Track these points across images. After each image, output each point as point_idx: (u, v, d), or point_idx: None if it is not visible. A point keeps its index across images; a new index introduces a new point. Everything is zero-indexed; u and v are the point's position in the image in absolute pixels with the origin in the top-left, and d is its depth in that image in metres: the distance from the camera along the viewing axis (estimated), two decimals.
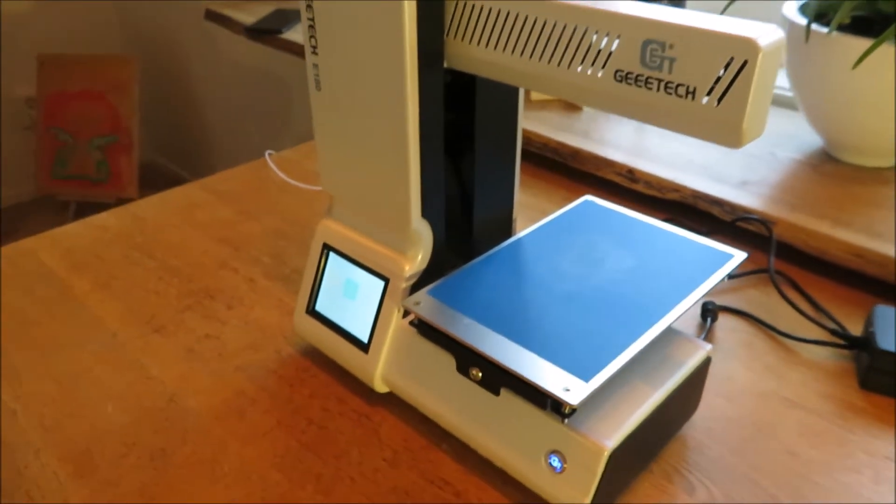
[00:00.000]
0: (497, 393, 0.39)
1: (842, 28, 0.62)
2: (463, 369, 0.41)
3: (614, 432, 0.37)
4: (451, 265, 0.46)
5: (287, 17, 1.17)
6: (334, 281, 0.49)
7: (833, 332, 0.52)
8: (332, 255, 0.49)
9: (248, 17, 1.24)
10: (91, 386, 0.50)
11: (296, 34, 1.14)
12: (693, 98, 0.30)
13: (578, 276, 0.44)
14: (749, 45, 0.28)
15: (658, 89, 0.31)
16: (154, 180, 2.18)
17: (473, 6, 0.37)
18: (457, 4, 0.38)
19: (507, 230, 0.51)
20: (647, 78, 0.32)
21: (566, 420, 0.37)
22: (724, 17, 0.30)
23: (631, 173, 0.70)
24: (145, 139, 2.30)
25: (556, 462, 0.38)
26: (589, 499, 0.37)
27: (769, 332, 0.54)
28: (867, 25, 0.63)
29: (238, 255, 0.64)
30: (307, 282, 0.50)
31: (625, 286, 0.43)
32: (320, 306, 0.50)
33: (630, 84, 0.32)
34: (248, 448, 0.45)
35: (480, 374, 0.40)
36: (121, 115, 2.08)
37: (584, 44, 0.33)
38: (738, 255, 0.46)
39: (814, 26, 0.63)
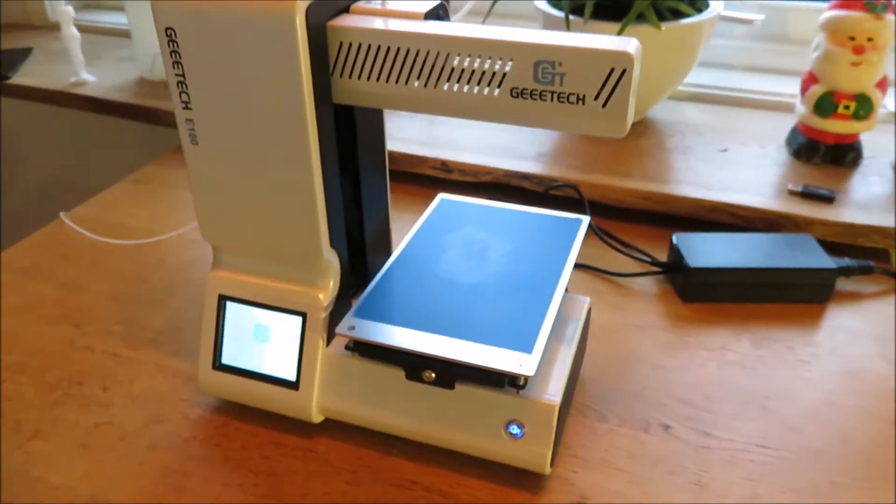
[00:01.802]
0: (452, 387, 0.44)
1: (596, 14, 0.74)
2: (414, 375, 0.44)
3: (555, 389, 0.44)
4: (350, 286, 0.49)
5: (13, 59, 1.03)
6: (239, 330, 0.49)
7: (651, 264, 0.65)
8: (230, 304, 0.49)
9: None
10: None
11: (25, 77, 1.01)
12: (583, 103, 0.37)
13: (474, 268, 0.50)
14: (626, 57, 0.35)
15: (552, 100, 0.38)
16: None
17: (370, 46, 0.39)
18: (341, 45, 0.40)
19: (388, 245, 0.55)
20: (542, 92, 0.38)
21: (520, 391, 0.43)
22: (596, 35, 0.37)
23: (445, 165, 0.77)
24: None
25: (515, 430, 0.43)
26: (550, 450, 0.43)
27: (605, 276, 0.65)
28: (622, 10, 0.75)
29: (83, 332, 0.59)
30: (207, 337, 0.49)
31: (515, 266, 0.49)
32: (227, 359, 0.49)
33: (525, 98, 0.38)
34: None
35: (434, 375, 0.43)
36: None
37: (479, 69, 0.38)
38: (584, 219, 0.55)
39: (571, 16, 0.74)
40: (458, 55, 0.38)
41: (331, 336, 0.47)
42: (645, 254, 0.66)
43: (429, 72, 0.39)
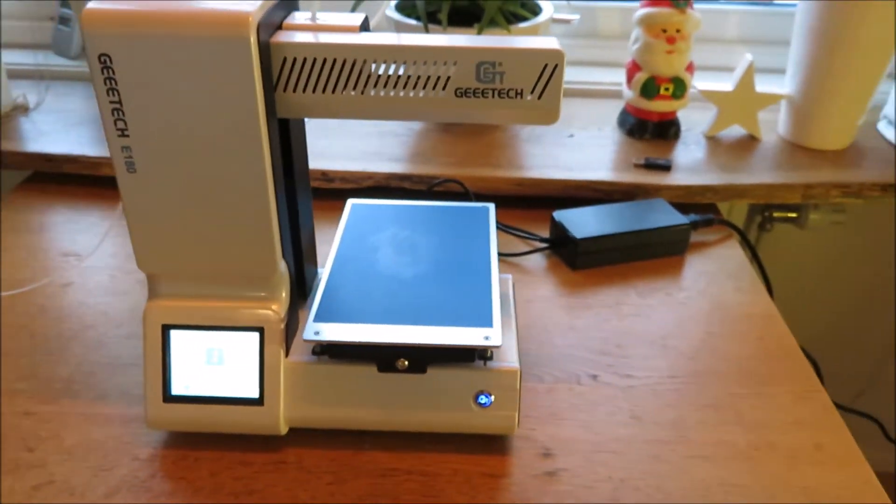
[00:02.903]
0: (424, 371, 0.47)
1: (453, 20, 0.79)
2: (386, 367, 0.46)
3: (513, 356, 0.48)
4: (296, 296, 0.50)
5: None
6: (188, 357, 0.47)
7: (539, 241, 0.72)
8: (174, 333, 0.47)
9: None
10: None
11: None
12: (521, 97, 0.42)
13: (410, 262, 0.53)
14: (557, 54, 0.41)
15: (493, 96, 0.42)
16: None
17: (315, 59, 0.41)
18: (285, 60, 0.41)
19: (314, 253, 0.56)
20: (484, 90, 0.42)
21: (487, 363, 0.47)
22: (529, 38, 0.42)
23: (325, 175, 0.78)
24: None
25: (483, 399, 0.47)
26: (517, 411, 0.48)
27: (503, 259, 0.71)
28: (470, 16, 0.81)
29: None
30: (152, 371, 0.47)
31: (445, 255, 0.53)
32: (178, 389, 0.48)
33: (469, 97, 0.42)
34: None
35: (407, 363, 0.46)
36: None
37: (425, 74, 0.42)
38: (489, 206, 0.60)
39: (414, 22, 0.79)
40: (405, 63, 0.41)
41: (288, 347, 0.48)
42: (530, 234, 0.73)
43: (375, 80, 0.42)
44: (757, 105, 0.86)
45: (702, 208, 0.78)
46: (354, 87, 0.42)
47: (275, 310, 0.47)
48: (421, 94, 0.42)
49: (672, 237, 0.71)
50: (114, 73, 0.39)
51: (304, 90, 0.42)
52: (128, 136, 0.41)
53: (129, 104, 0.40)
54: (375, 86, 0.42)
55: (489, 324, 0.46)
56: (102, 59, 0.39)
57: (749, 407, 0.53)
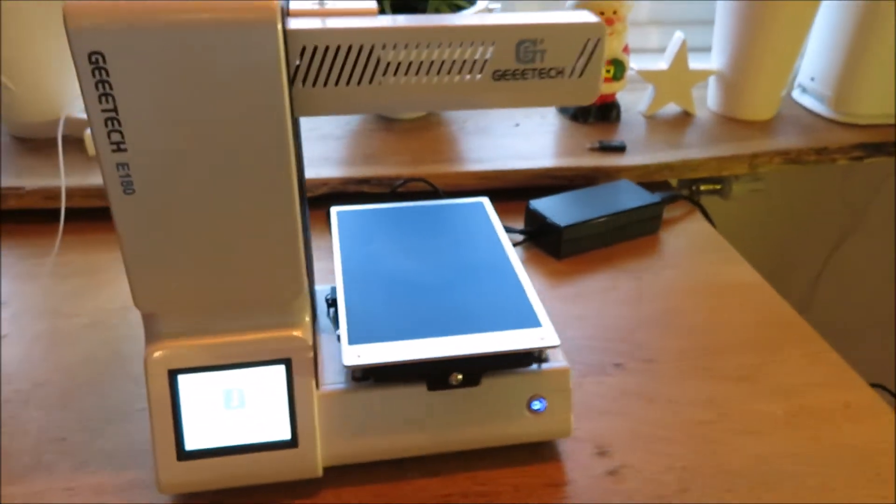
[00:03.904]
0: (478, 383, 0.43)
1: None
2: (438, 384, 0.42)
3: (559, 355, 0.45)
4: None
5: None
6: (202, 404, 0.41)
7: (520, 233, 0.69)
8: (183, 378, 0.41)
9: None
10: None
11: None
12: (562, 76, 0.39)
13: (425, 268, 0.49)
14: (598, 27, 0.38)
15: (532, 77, 0.39)
16: None
17: (339, 47, 0.36)
18: (304, 50, 0.36)
19: (313, 269, 0.50)
20: (524, 70, 0.39)
21: (542, 365, 0.44)
22: (562, 12, 0.39)
23: None
24: None
25: (537, 405, 0.44)
26: (571, 412, 0.45)
27: None
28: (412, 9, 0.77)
29: None
30: (161, 427, 0.40)
31: (459, 256, 0.50)
32: (193, 443, 0.41)
33: (508, 79, 0.39)
34: None
35: (461, 376, 0.42)
36: None
37: (461, 57, 0.38)
38: (483, 200, 0.57)
39: None
40: (439, 46, 0.37)
41: (316, 376, 0.42)
42: (507, 227, 0.70)
43: (406, 68, 0.38)
44: (691, 82, 0.88)
45: (654, 186, 0.78)
46: (384, 75, 0.38)
47: (301, 336, 0.41)
48: (456, 80, 0.38)
49: (647, 216, 0.71)
50: (107, 74, 0.32)
51: (325, 83, 0.37)
52: (125, 150, 0.34)
53: (126, 112, 0.33)
54: (406, 73, 0.38)
55: (537, 323, 0.43)
56: (93, 58, 0.32)
57: (771, 375, 0.54)
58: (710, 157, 0.79)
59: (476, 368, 0.42)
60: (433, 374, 0.42)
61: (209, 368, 0.41)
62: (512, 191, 0.76)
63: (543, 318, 0.44)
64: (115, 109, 0.33)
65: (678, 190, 0.83)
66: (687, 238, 0.71)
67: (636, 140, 0.83)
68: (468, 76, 0.38)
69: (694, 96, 0.90)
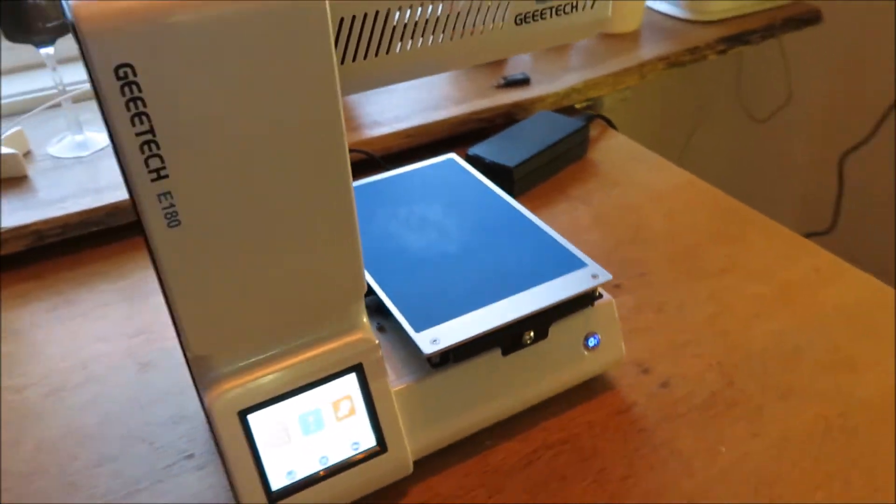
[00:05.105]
0: (546, 335, 0.42)
1: None
2: (512, 346, 0.41)
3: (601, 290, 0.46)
4: None
5: None
6: (277, 437, 0.37)
7: None
8: (254, 417, 0.36)
9: None
10: None
11: None
12: (575, 10, 0.38)
13: (442, 237, 0.47)
14: None
15: (551, 16, 0.38)
16: None
17: (365, 14, 0.32)
18: (342, 22, 0.32)
19: None
20: (542, 11, 0.37)
21: (595, 302, 0.44)
22: None
23: None
24: None
25: (592, 342, 0.45)
26: (622, 340, 0.46)
27: None
28: None
29: None
30: (243, 472, 0.36)
31: (466, 217, 0.48)
32: (279, 481, 0.37)
33: (529, 22, 0.37)
34: None
35: (532, 333, 0.41)
36: None
37: (485, 5, 0.36)
38: (452, 155, 0.56)
39: None
40: None
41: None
42: None
43: (434, 25, 0.35)
44: None
45: (561, 111, 0.81)
46: (412, 37, 0.35)
47: (366, 337, 0.38)
48: (482, 29, 0.36)
49: (577, 141, 0.72)
50: (139, 90, 0.27)
51: (364, 56, 0.34)
52: (166, 176, 0.29)
53: (165, 132, 0.28)
54: (434, 31, 0.35)
55: (582, 264, 0.43)
56: (121, 72, 0.26)
57: (746, 261, 0.58)
58: (607, 73, 0.82)
59: (545, 322, 0.42)
60: (508, 338, 0.41)
61: (279, 399, 0.37)
62: (436, 144, 0.74)
63: (585, 258, 0.44)
64: (151, 131, 0.28)
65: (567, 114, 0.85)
66: (614, 155, 0.74)
67: (527, 71, 0.83)
68: (492, 24, 0.36)
69: None
